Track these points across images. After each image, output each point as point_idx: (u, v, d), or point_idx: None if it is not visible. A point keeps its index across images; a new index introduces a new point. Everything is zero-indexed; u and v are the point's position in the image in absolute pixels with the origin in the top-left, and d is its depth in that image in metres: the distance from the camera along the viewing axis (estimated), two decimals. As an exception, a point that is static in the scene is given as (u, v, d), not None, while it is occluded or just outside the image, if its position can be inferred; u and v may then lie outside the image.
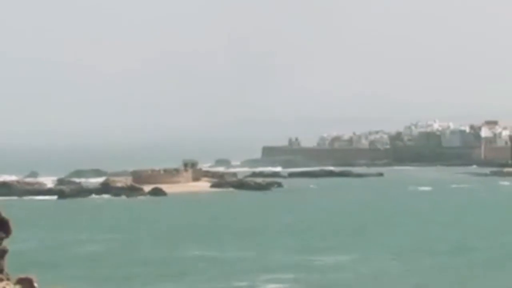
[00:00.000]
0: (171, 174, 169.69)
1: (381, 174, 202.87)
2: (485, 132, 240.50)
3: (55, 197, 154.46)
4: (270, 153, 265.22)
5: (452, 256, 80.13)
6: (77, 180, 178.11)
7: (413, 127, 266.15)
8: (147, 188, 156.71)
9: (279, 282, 68.51)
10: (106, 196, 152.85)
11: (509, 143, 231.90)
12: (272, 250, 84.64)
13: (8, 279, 4.33)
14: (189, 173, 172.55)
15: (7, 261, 4.51)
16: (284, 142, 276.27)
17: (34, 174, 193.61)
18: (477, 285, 66.63)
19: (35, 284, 4.36)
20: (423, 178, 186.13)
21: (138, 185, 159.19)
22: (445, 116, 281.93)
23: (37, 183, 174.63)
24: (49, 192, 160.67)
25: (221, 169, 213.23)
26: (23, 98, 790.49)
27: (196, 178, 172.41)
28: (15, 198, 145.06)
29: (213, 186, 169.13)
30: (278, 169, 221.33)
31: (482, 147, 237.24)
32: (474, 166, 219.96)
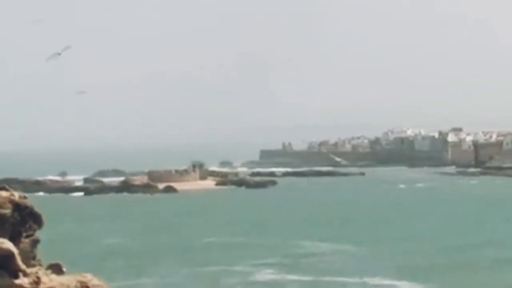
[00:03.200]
0: (181, 173, 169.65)
1: (362, 174, 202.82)
2: (451, 138, 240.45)
3: (81, 193, 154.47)
4: (266, 155, 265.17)
5: (426, 242, 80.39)
6: (100, 179, 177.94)
7: (389, 133, 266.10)
8: (160, 186, 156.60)
9: (273, 266, 68.56)
10: (125, 192, 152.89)
11: (472, 147, 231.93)
12: (267, 238, 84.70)
13: (40, 265, 4.36)
14: (197, 173, 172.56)
15: (39, 249, 4.54)
16: (278, 146, 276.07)
17: (63, 174, 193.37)
18: (447, 268, 66.68)
19: (63, 269, 4.38)
20: (399, 177, 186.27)
21: (153, 183, 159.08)
22: (417, 123, 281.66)
23: (66, 181, 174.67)
24: (76, 189, 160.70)
25: (224, 169, 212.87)
26: (51, 110, 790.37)
27: (203, 177, 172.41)
28: (47, 194, 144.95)
29: (217, 184, 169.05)
30: (274, 169, 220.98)
31: (449, 150, 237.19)
32: (449, 168, 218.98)
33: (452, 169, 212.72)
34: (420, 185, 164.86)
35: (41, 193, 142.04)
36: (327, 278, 63.08)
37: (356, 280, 62.58)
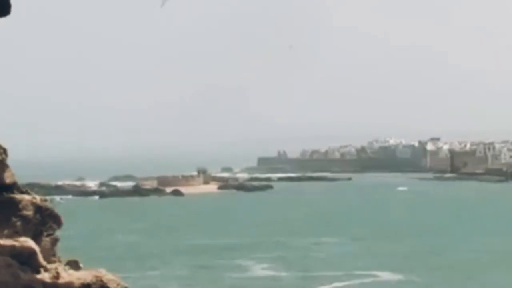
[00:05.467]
0: (187, 178, 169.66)
1: (349, 179, 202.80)
2: (430, 147, 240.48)
3: (97, 197, 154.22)
4: (263, 162, 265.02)
5: (408, 239, 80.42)
6: (114, 183, 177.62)
7: (374, 142, 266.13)
8: (168, 189, 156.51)
9: (269, 262, 68.53)
10: (137, 196, 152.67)
11: (448, 155, 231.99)
12: (263, 236, 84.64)
13: (59, 261, 4.35)
14: (201, 178, 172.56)
15: (58, 247, 4.52)
16: (274, 154, 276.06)
17: (81, 179, 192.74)
18: (428, 262, 66.69)
19: (81, 265, 4.36)
20: (383, 181, 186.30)
21: (161, 187, 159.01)
22: (399, 133, 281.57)
23: (83, 186, 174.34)
24: (93, 193, 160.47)
25: (226, 175, 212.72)
26: (72, 122, 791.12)
27: (206, 182, 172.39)
28: (65, 197, 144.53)
29: (219, 188, 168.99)
30: (270, 175, 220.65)
31: (428, 158, 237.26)
32: (427, 173, 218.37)
33: (430, 174, 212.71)
34: (402, 188, 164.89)
35: (60, 196, 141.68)
36: (320, 273, 63.04)
37: (345, 272, 62.57)
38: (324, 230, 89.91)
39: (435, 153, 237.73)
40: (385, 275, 61.62)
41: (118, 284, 4.67)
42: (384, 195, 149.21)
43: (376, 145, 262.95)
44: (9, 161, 4.71)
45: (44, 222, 4.76)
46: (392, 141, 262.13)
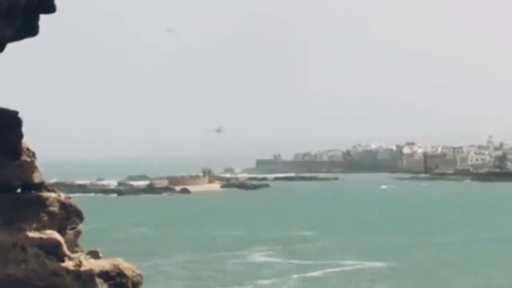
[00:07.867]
0: (194, 178, 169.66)
1: (336, 179, 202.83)
2: (406, 150, 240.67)
3: (115, 194, 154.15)
4: (261, 164, 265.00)
5: (390, 232, 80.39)
6: (130, 182, 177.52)
7: (358, 146, 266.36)
8: (178, 188, 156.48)
9: (266, 251, 68.49)
10: (150, 193, 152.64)
11: (422, 157, 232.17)
12: (262, 229, 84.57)
13: (81, 251, 4.36)
14: (206, 178, 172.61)
15: (81, 239, 4.54)
16: (270, 157, 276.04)
17: (101, 178, 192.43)
18: (408, 252, 66.66)
19: (100, 255, 4.36)
20: (365, 180, 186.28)
21: (171, 186, 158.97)
22: (379, 138, 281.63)
23: (103, 184, 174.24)
24: (111, 191, 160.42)
25: (228, 175, 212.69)
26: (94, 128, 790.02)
27: (210, 181, 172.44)
28: (87, 195, 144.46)
29: (222, 186, 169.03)
30: (267, 175, 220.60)
31: (404, 160, 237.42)
32: (404, 174, 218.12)
33: (407, 175, 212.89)
34: (384, 187, 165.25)
35: (82, 194, 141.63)
36: (312, 261, 62.99)
37: (335, 261, 62.53)
38: (316, 223, 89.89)
39: (410, 155, 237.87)
40: (372, 264, 61.59)
41: (133, 272, 4.65)
42: (370, 192, 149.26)
43: (360, 149, 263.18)
44: (37, 163, 4.70)
45: (68, 217, 4.75)
46: (373, 145, 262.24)
